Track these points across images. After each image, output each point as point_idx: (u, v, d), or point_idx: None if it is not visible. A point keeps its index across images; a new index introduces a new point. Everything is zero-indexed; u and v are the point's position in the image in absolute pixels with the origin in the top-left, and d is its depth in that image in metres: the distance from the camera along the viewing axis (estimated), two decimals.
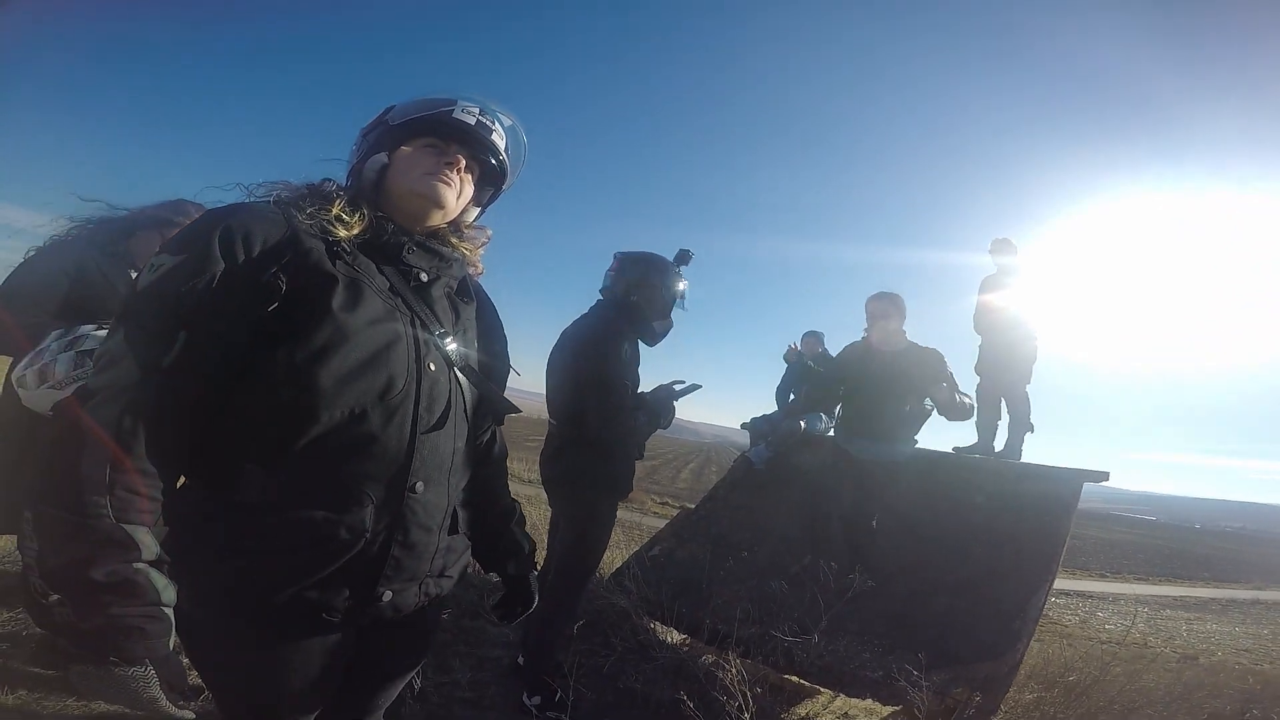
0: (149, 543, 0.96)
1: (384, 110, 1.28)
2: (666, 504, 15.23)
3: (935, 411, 3.91)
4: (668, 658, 3.66)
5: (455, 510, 1.27)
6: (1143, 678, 3.85)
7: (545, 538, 3.38)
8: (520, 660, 3.18)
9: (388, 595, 1.15)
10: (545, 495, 3.19)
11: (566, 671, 2.99)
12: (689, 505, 6.37)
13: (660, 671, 3.48)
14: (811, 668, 3.28)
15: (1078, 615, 11.04)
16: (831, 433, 4.50)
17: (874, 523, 3.86)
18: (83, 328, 2.09)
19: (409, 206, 1.23)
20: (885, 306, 3.99)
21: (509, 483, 1.55)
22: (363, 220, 1.17)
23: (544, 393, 3.05)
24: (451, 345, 1.23)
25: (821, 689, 3.49)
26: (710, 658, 3.62)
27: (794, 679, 3.47)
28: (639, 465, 3.13)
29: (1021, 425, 5.53)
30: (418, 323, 1.19)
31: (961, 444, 5.72)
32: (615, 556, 5.05)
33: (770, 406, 7.01)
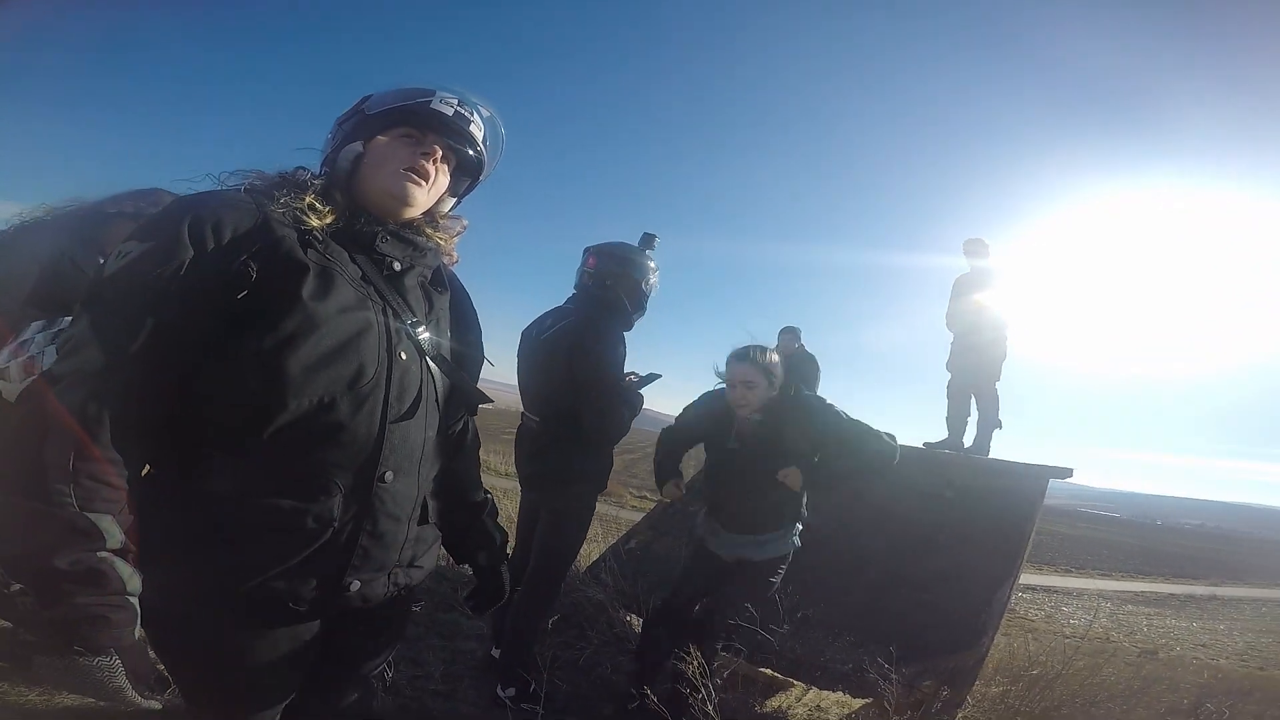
0: (113, 531, 0.95)
1: (361, 100, 1.26)
2: (644, 497, 15.25)
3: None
4: None
5: (426, 500, 1.27)
6: (1103, 671, 3.94)
7: (514, 530, 3.38)
8: (494, 653, 3.17)
9: (356, 585, 1.14)
10: (520, 488, 3.18)
11: (541, 664, 3.00)
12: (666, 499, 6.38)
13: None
14: (783, 660, 3.32)
15: (1043, 610, 11.28)
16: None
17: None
18: (65, 319, 2.04)
19: (380, 202, 1.22)
20: (749, 373, 2.79)
21: (482, 474, 1.55)
22: (335, 210, 1.16)
23: (519, 386, 3.05)
24: (424, 334, 1.23)
25: (794, 682, 3.54)
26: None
27: (767, 672, 3.50)
28: (617, 458, 3.16)
29: (990, 422, 5.63)
30: (389, 312, 1.18)
31: (932, 439, 5.82)
32: (592, 549, 5.04)
33: None
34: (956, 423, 5.82)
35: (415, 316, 1.23)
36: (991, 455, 5.51)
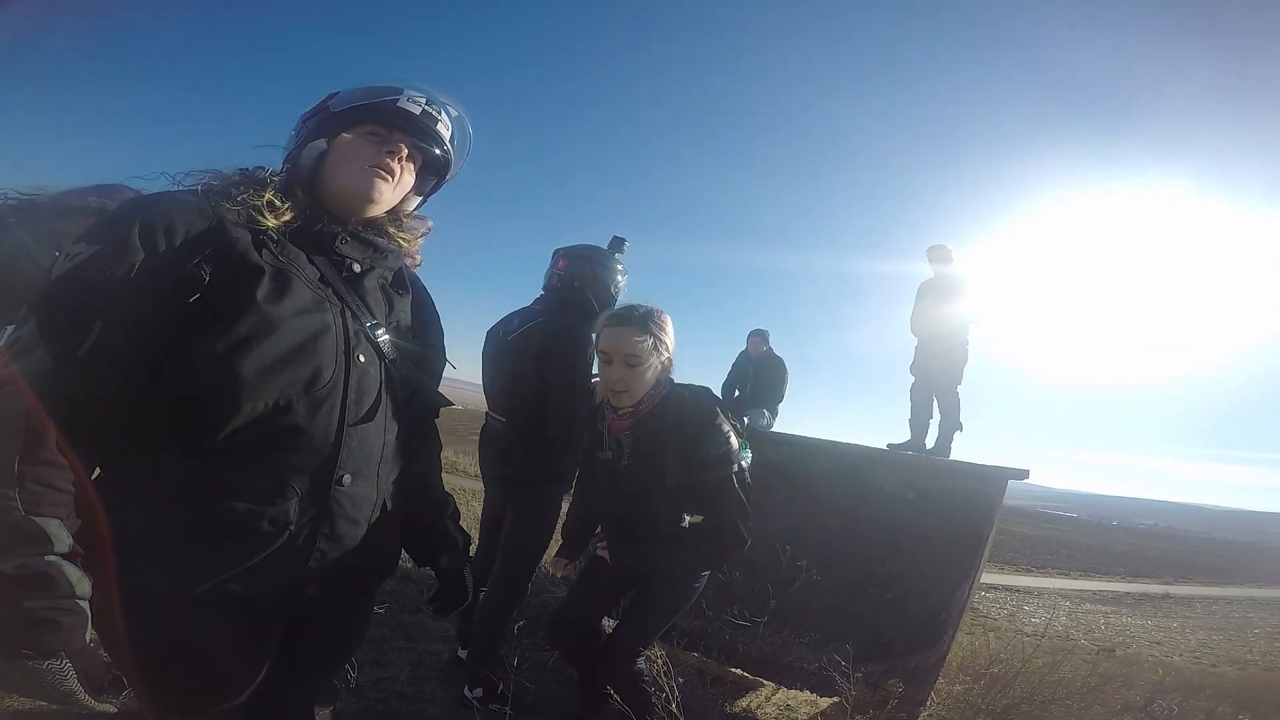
0: (61, 535, 0.93)
1: (326, 96, 1.25)
2: None
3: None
4: None
5: (385, 503, 1.25)
6: (1061, 669, 4.03)
7: (478, 531, 3.36)
8: (461, 654, 3.15)
9: (314, 588, 1.13)
10: (485, 489, 3.16)
11: (509, 664, 2.99)
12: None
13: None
14: (751, 660, 3.33)
15: (1005, 609, 11.53)
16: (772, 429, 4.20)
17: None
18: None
19: (344, 199, 1.21)
20: (631, 343, 2.04)
21: (448, 474, 1.53)
22: (294, 208, 1.14)
23: (484, 386, 3.03)
24: (384, 337, 1.21)
25: (764, 681, 3.56)
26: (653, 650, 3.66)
27: (736, 671, 3.52)
28: None
29: (952, 424, 5.74)
30: (348, 314, 1.16)
31: (896, 440, 5.92)
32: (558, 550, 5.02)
33: None
34: (919, 425, 5.93)
35: (375, 319, 1.21)
36: (952, 457, 5.61)
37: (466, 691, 2.90)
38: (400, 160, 1.22)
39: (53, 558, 0.92)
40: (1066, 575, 19.96)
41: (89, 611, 0.95)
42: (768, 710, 3.52)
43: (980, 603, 10.74)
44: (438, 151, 1.28)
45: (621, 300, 2.99)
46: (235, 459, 1.04)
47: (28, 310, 0.99)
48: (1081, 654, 6.52)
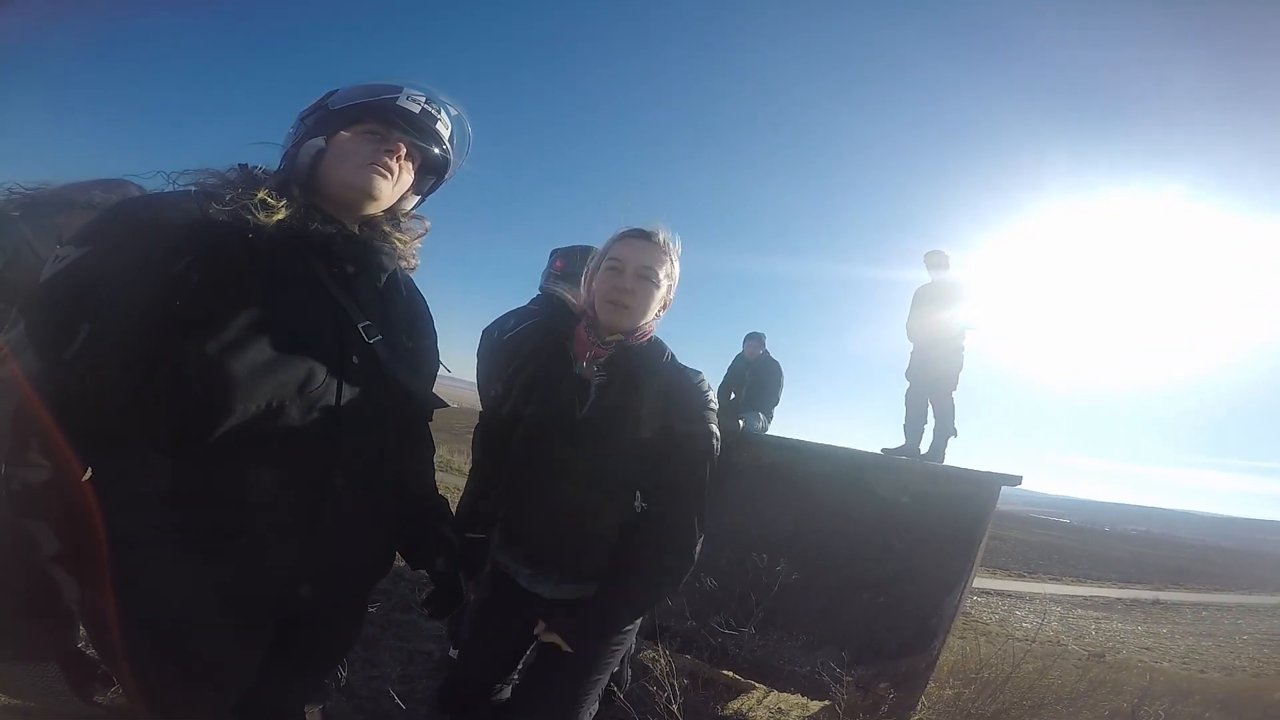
0: (48, 538, 0.92)
1: (325, 94, 1.24)
2: None
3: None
4: None
5: (379, 505, 1.25)
6: (1051, 674, 4.04)
7: None
8: (452, 653, 3.14)
9: (306, 589, 1.12)
10: None
11: None
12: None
13: None
14: (743, 662, 3.33)
15: (997, 614, 11.55)
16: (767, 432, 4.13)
17: None
18: None
19: (342, 196, 1.20)
20: (652, 256, 1.70)
21: (444, 472, 1.53)
22: (290, 205, 1.13)
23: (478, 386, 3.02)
24: (377, 338, 1.20)
25: (756, 684, 3.56)
26: (647, 650, 3.66)
27: (728, 674, 3.52)
28: None
29: (946, 429, 5.75)
30: (341, 315, 1.16)
31: (890, 445, 5.93)
32: None
33: None
34: (913, 430, 5.94)
35: (368, 320, 1.20)
36: (946, 462, 5.62)
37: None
38: (399, 159, 1.22)
39: (41, 561, 0.91)
40: (1058, 580, 20.03)
41: (78, 614, 0.95)
42: (759, 713, 3.52)
43: (972, 607, 10.78)
44: (437, 151, 1.28)
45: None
46: (228, 460, 1.03)
47: (17, 312, 0.98)
48: (1071, 659, 6.55)
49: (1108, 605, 15.99)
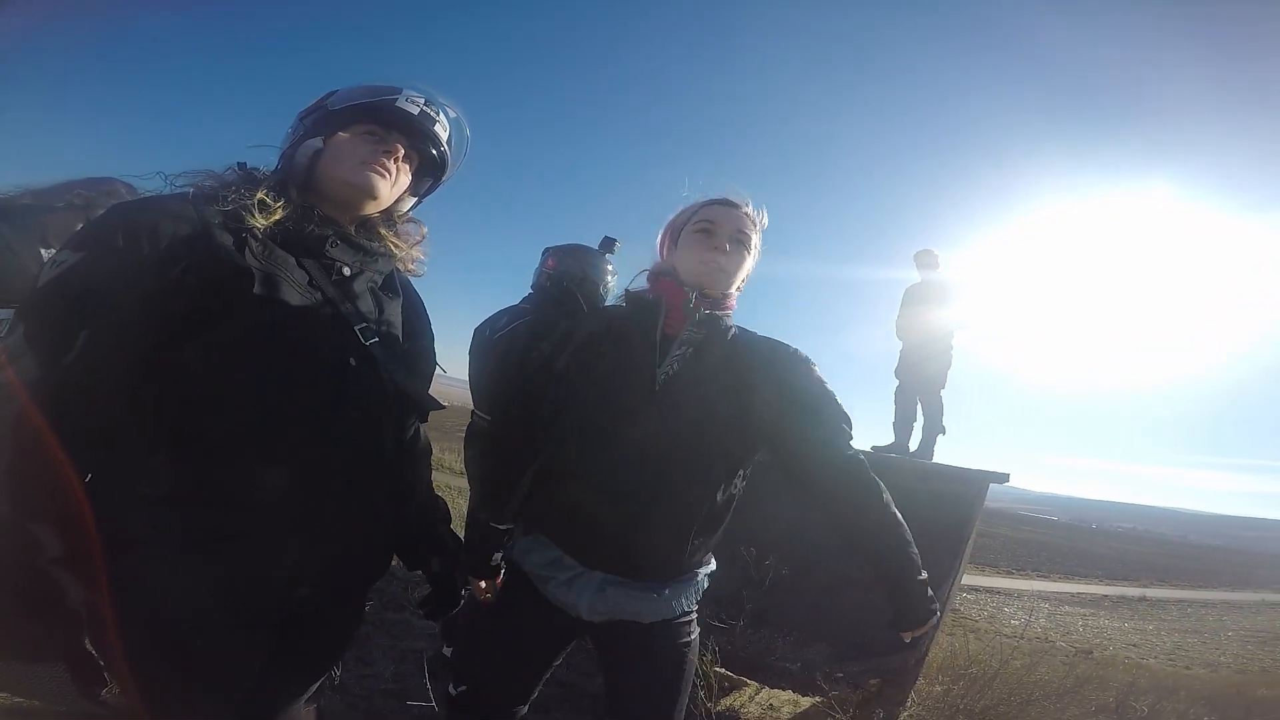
0: (51, 540, 0.93)
1: (325, 95, 1.24)
2: None
3: None
4: None
5: (375, 507, 1.25)
6: (1038, 670, 4.08)
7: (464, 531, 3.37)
8: (446, 651, 3.14)
9: (304, 590, 1.13)
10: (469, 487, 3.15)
11: None
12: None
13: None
14: (735, 659, 3.34)
15: (986, 610, 11.63)
16: None
17: None
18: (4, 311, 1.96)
19: (340, 195, 1.20)
20: (745, 223, 1.56)
21: (438, 471, 1.52)
22: (287, 206, 1.13)
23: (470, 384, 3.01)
24: (374, 340, 1.20)
25: (747, 681, 3.58)
26: None
27: (719, 670, 3.53)
28: None
29: (934, 427, 5.80)
30: (338, 317, 1.16)
31: (880, 443, 5.97)
32: None
33: None
34: (903, 428, 5.98)
35: (365, 322, 1.20)
36: (935, 459, 5.66)
37: (452, 689, 2.89)
38: (397, 160, 1.22)
39: (44, 563, 0.92)
40: (1046, 577, 20.16)
41: (82, 614, 0.95)
42: (750, 710, 3.53)
43: (960, 604, 10.84)
44: (435, 152, 1.28)
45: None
46: (227, 462, 1.03)
47: (15, 318, 0.98)
48: (1059, 656, 6.61)
49: (1095, 602, 16.12)
